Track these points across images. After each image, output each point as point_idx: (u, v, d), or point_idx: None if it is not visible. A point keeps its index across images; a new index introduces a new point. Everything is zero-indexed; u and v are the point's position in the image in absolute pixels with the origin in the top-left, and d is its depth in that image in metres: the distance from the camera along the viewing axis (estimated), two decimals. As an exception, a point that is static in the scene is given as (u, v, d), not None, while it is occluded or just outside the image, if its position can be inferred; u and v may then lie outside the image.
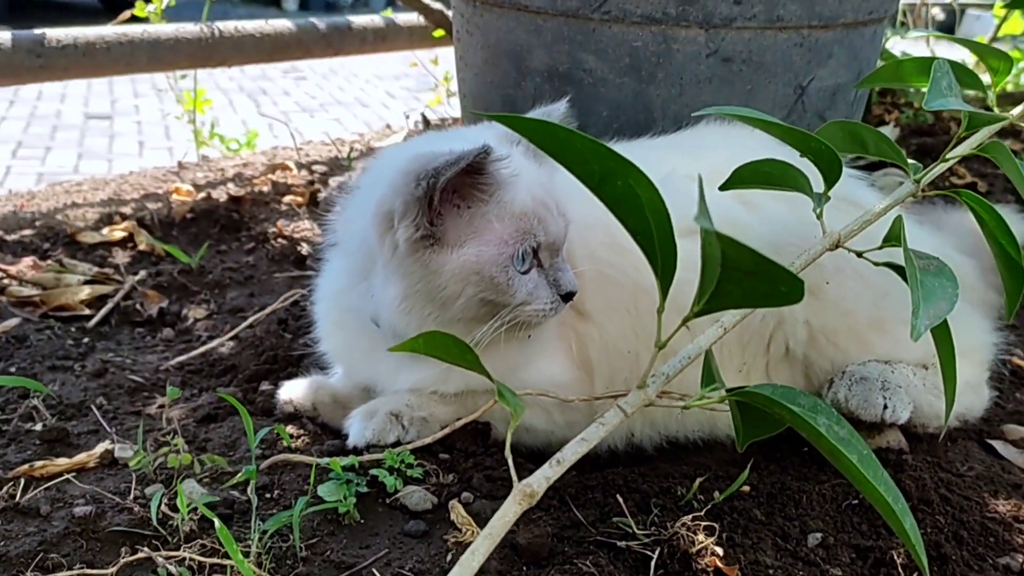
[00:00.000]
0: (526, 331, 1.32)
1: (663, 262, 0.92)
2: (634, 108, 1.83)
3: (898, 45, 3.73)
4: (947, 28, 5.97)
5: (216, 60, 3.19)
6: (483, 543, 0.81)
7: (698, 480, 1.33)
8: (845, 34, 1.83)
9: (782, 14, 1.74)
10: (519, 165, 1.25)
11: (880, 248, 1.05)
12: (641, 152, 1.59)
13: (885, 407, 1.40)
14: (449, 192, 1.21)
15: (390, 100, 5.43)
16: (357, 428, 1.41)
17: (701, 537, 1.20)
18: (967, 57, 4.00)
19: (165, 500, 1.24)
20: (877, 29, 1.94)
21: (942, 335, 1.02)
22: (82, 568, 1.11)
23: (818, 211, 1.08)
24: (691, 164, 1.50)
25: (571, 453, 0.89)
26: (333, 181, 3.08)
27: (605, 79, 1.82)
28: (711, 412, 1.46)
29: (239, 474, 1.31)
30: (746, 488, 1.33)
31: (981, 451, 1.49)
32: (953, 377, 1.07)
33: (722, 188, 1.23)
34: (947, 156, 1.10)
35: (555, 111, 1.40)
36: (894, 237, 1.01)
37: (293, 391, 1.55)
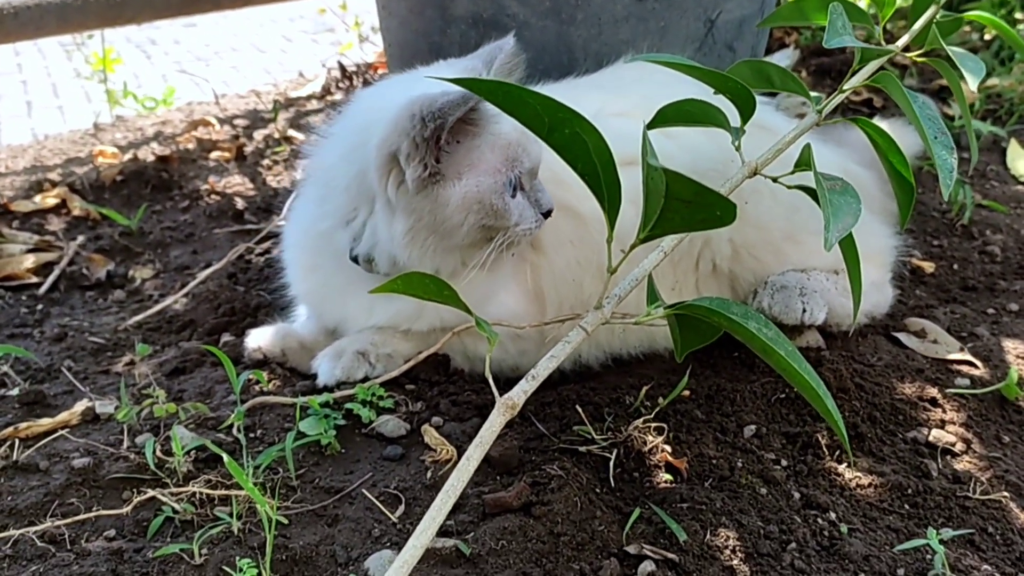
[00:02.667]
0: (511, 250, 1.41)
1: (609, 198, 1.03)
2: (557, 50, 1.92)
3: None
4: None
5: (126, 18, 3.13)
6: (476, 450, 0.93)
7: (644, 389, 1.47)
8: (748, -31, 1.95)
9: (690, -47, 1.85)
10: None
11: (792, 172, 1.18)
12: (569, 92, 1.69)
13: (804, 311, 1.56)
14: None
15: (287, 44, 5.22)
16: (326, 367, 1.51)
17: (651, 437, 1.36)
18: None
19: (158, 446, 1.33)
20: (777, -38, 2.07)
21: (847, 244, 1.17)
22: (98, 511, 1.19)
23: (736, 144, 1.20)
24: (616, 101, 1.61)
25: (543, 369, 1.01)
26: (258, 135, 3.10)
27: (528, 23, 1.90)
28: (650, 329, 1.59)
29: (224, 417, 1.40)
30: (687, 392, 1.48)
31: (888, 343, 1.67)
32: (859, 280, 1.22)
33: (648, 127, 1.33)
34: (843, 88, 1.24)
35: (506, 45, 1.46)
36: (804, 163, 1.14)
37: (261, 338, 1.63)
